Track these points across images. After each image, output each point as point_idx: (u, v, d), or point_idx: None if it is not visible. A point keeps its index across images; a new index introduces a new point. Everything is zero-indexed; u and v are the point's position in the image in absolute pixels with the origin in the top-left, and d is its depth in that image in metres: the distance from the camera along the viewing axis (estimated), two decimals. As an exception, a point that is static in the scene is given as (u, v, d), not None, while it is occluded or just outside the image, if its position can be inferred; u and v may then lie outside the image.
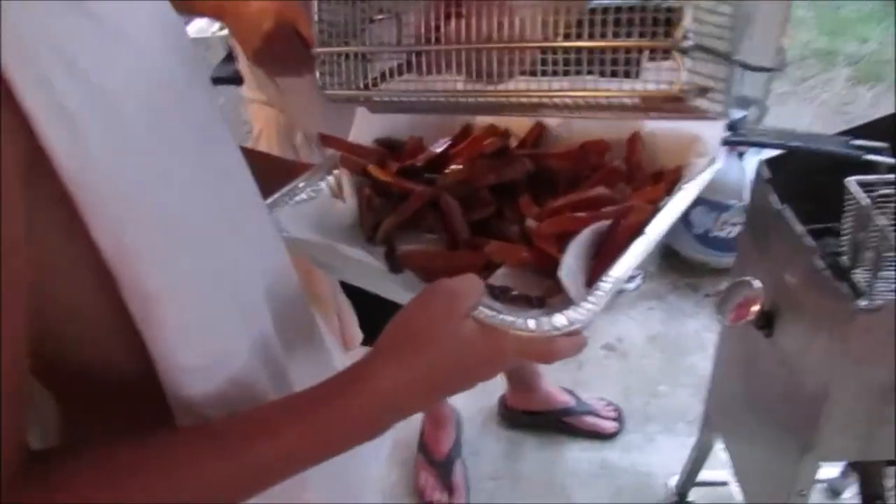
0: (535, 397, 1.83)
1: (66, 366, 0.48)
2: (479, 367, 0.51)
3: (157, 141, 0.46)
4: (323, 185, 0.77)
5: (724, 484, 1.48)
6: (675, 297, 2.20)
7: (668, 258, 2.31)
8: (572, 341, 0.52)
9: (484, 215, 0.67)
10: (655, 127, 0.71)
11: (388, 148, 0.77)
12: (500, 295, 0.57)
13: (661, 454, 1.80)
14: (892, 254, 0.88)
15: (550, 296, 0.59)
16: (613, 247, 0.57)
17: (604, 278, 0.54)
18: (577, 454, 1.81)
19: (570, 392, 1.86)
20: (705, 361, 1.98)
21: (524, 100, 0.57)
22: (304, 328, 0.66)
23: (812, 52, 3.32)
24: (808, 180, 1.06)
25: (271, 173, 0.72)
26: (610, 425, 1.83)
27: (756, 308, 1.03)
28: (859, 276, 0.94)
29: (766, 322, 1.07)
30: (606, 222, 0.60)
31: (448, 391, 0.52)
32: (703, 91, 0.52)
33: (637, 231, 0.59)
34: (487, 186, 0.68)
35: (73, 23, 0.41)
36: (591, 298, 0.53)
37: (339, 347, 0.95)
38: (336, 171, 0.78)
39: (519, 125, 0.79)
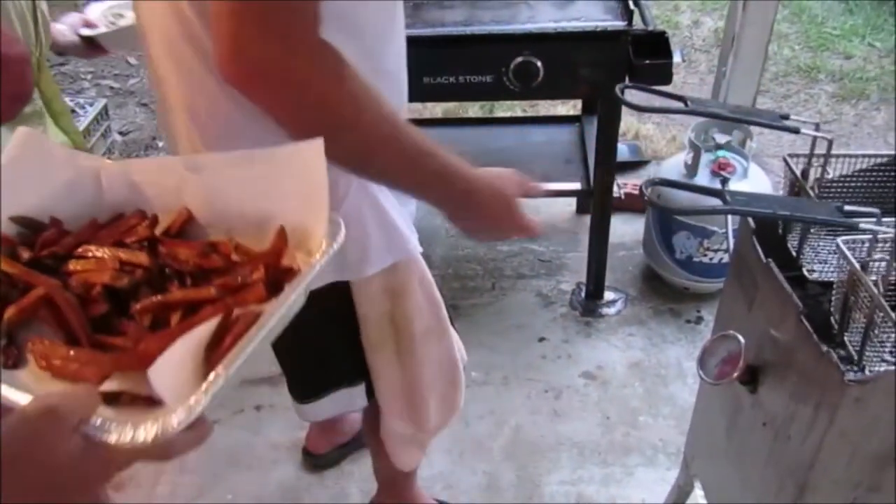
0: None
1: None
2: (87, 481, 0.52)
3: None
4: None
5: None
6: (656, 323, 2.16)
7: (650, 282, 2.27)
8: (193, 436, 0.53)
9: (97, 313, 0.65)
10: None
11: (28, 228, 0.71)
12: (113, 401, 0.56)
13: (641, 488, 1.77)
14: (881, 315, 0.83)
15: None
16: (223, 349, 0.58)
17: (211, 374, 0.55)
18: (555, 489, 1.76)
19: (442, 503, 1.69)
20: (686, 391, 1.96)
21: None
22: None
23: (794, 69, 3.30)
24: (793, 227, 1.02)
25: None
26: None
27: (741, 365, 0.98)
28: (848, 337, 0.90)
29: (751, 377, 1.03)
30: (213, 324, 0.59)
31: None
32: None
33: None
34: (102, 286, 0.66)
35: None
36: (191, 400, 0.53)
37: None
38: None
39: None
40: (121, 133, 3.00)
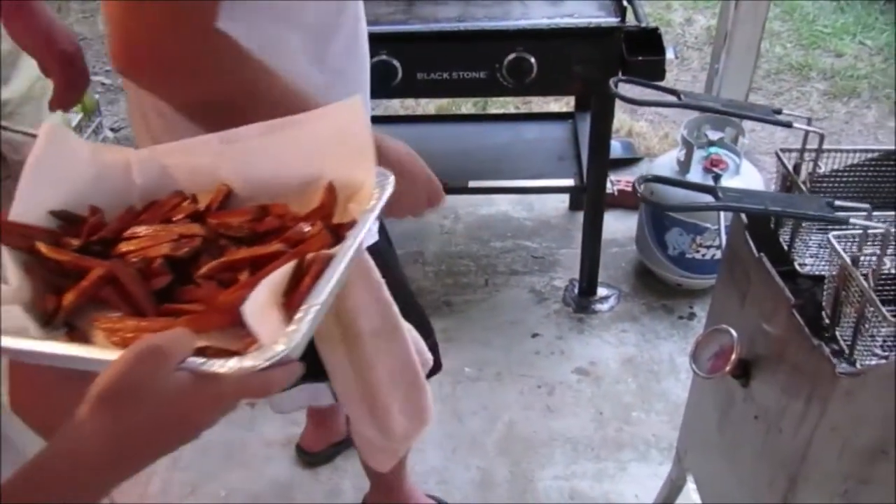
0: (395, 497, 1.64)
1: None
2: (198, 414, 0.54)
3: None
4: None
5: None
6: (649, 319, 2.17)
7: (643, 278, 2.28)
8: (286, 370, 0.55)
9: (160, 285, 0.65)
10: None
11: (67, 221, 0.71)
12: (200, 355, 0.57)
13: (634, 483, 1.77)
14: (872, 310, 0.84)
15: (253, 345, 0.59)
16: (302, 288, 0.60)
17: (299, 310, 0.57)
18: (548, 484, 1.77)
19: (435, 499, 1.71)
20: (678, 387, 1.97)
21: None
22: None
23: (786, 67, 3.31)
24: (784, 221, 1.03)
25: None
26: None
27: (733, 358, 0.99)
28: (840, 331, 0.91)
29: (743, 371, 1.04)
30: (291, 265, 0.61)
31: (168, 446, 0.54)
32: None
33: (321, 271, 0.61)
34: (163, 257, 0.66)
35: None
36: (289, 329, 0.55)
37: None
38: None
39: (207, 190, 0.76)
40: (112, 129, 2.98)
